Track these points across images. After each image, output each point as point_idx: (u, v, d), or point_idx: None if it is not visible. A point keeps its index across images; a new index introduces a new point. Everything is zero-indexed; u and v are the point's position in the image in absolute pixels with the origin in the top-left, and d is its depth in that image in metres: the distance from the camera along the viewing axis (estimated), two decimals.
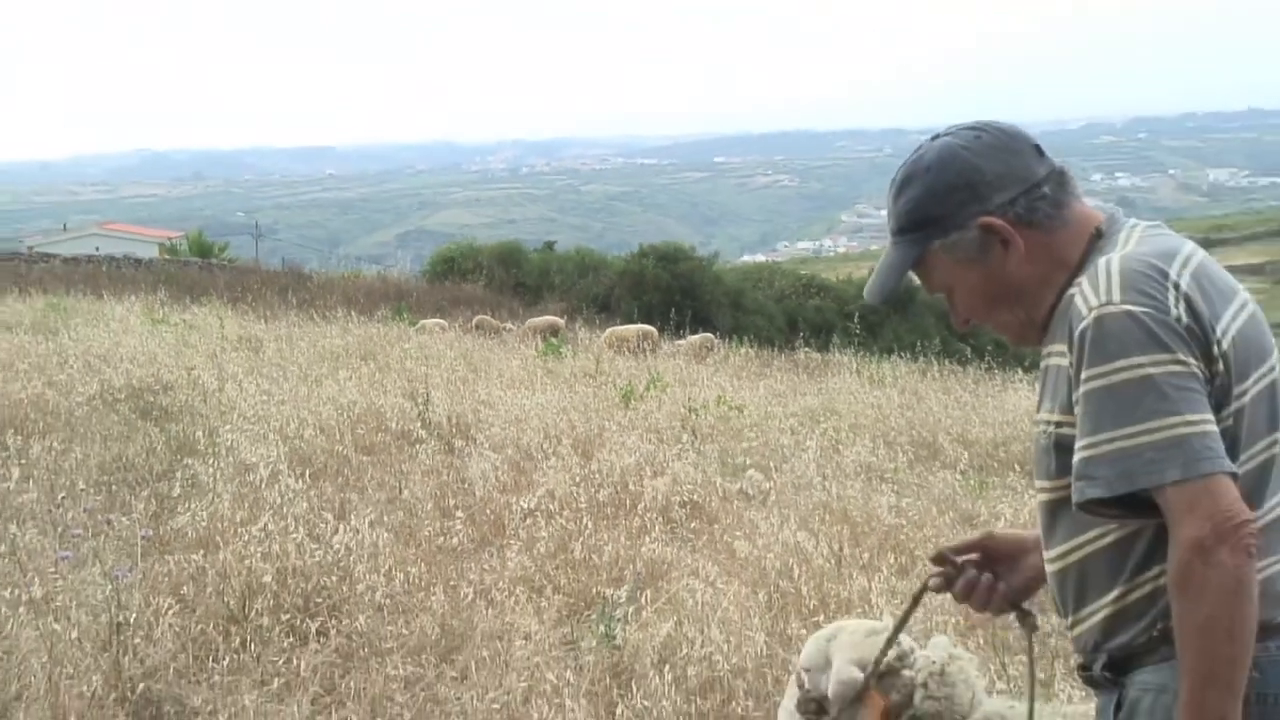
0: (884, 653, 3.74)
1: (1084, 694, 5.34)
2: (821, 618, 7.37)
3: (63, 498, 9.16)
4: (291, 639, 6.99)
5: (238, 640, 6.91)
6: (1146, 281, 2.72)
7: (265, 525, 8.20)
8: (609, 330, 26.02)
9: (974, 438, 12.94)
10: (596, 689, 6.46)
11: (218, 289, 31.32)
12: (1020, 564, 3.38)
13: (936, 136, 3.06)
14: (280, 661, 6.74)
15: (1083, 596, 2.93)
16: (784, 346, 25.82)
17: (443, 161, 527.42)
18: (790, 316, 43.42)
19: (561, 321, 28.32)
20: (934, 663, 3.87)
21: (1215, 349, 2.72)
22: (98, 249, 60.12)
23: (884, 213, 3.16)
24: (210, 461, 10.20)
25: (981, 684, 3.97)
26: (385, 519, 9.08)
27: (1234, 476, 2.63)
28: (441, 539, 8.75)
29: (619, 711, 6.16)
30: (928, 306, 37.53)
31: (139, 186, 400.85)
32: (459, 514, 9.18)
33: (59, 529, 8.39)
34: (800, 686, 3.98)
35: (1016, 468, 11.92)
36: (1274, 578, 2.76)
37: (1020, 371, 19.77)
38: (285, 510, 8.66)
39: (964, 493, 10.83)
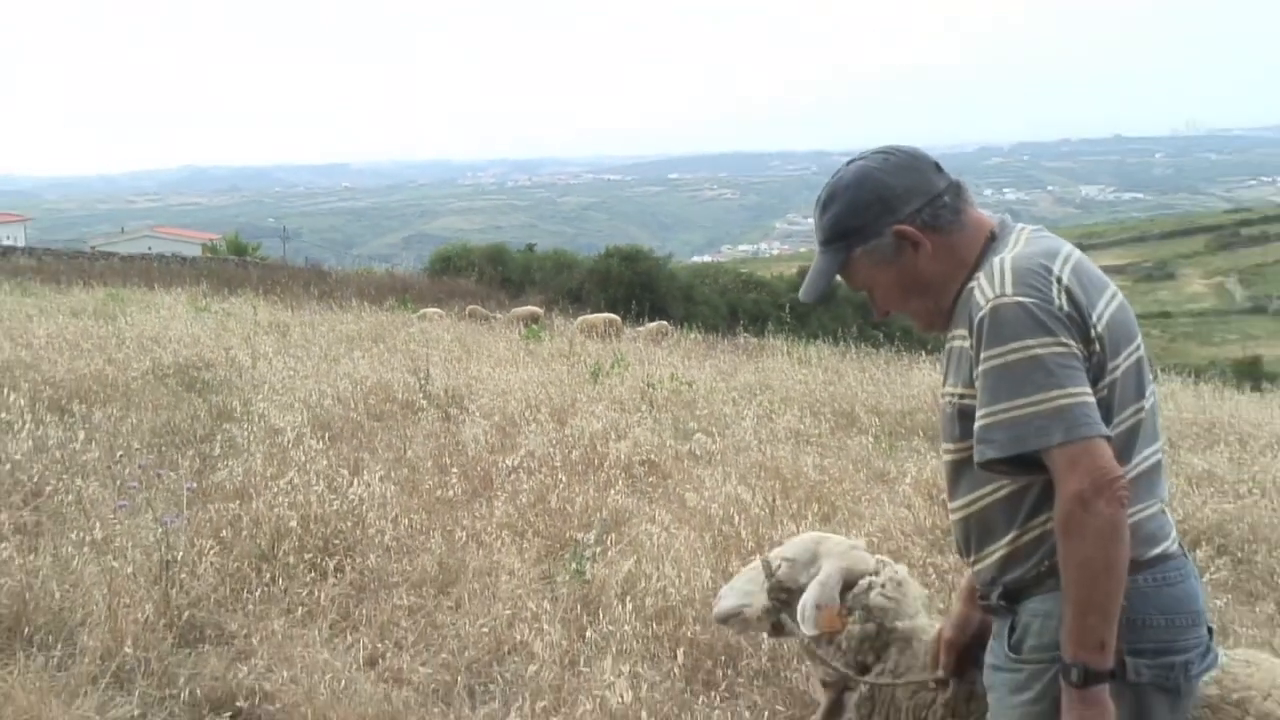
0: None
1: None
2: (756, 557, 7.39)
3: (120, 456, 9.13)
4: (313, 574, 6.99)
5: (268, 575, 6.92)
6: (1034, 277, 2.80)
7: (291, 479, 8.19)
8: (580, 318, 26.01)
9: (885, 408, 12.97)
10: (569, 616, 6.47)
11: (251, 283, 31.20)
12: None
13: (852, 161, 3.12)
14: (304, 593, 6.75)
15: (983, 539, 3.00)
16: (726, 332, 25.83)
17: (440, 176, 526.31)
18: (732, 307, 43.48)
19: (540, 311, 28.29)
20: (896, 572, 3.92)
21: (1092, 332, 2.79)
22: (150, 248, 59.96)
23: (811, 221, 3.21)
24: (245, 426, 10.18)
25: (924, 609, 3.98)
26: (392, 475, 9.07)
27: (1108, 439, 2.71)
28: (439, 491, 8.74)
29: (588, 635, 6.18)
30: (847, 300, 37.59)
31: (185, 197, 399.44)
32: (454, 470, 9.16)
33: (117, 482, 8.36)
34: (770, 575, 3.99)
35: (920, 433, 11.95)
36: (1141, 522, 2.83)
37: (924, 354, 19.81)
38: (308, 467, 8.64)
39: (876, 454, 10.86)
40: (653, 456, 10.08)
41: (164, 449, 9.71)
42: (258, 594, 6.70)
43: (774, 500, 8.62)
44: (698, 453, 10.48)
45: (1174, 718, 2.90)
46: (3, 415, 9.37)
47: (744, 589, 4.04)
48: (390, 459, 9.68)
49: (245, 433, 9.90)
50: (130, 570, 6.61)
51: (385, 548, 7.51)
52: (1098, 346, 2.81)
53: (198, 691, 5.68)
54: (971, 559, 3.07)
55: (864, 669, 3.78)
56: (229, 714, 5.49)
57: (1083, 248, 3.05)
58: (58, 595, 6.29)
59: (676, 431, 11.22)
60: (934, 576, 7.19)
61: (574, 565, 7.06)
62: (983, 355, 2.80)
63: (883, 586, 3.85)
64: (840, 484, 9.46)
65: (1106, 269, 3.02)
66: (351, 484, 8.31)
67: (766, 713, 5.67)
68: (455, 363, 14.99)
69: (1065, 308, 2.78)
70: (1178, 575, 2.90)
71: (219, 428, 10.32)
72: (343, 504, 7.89)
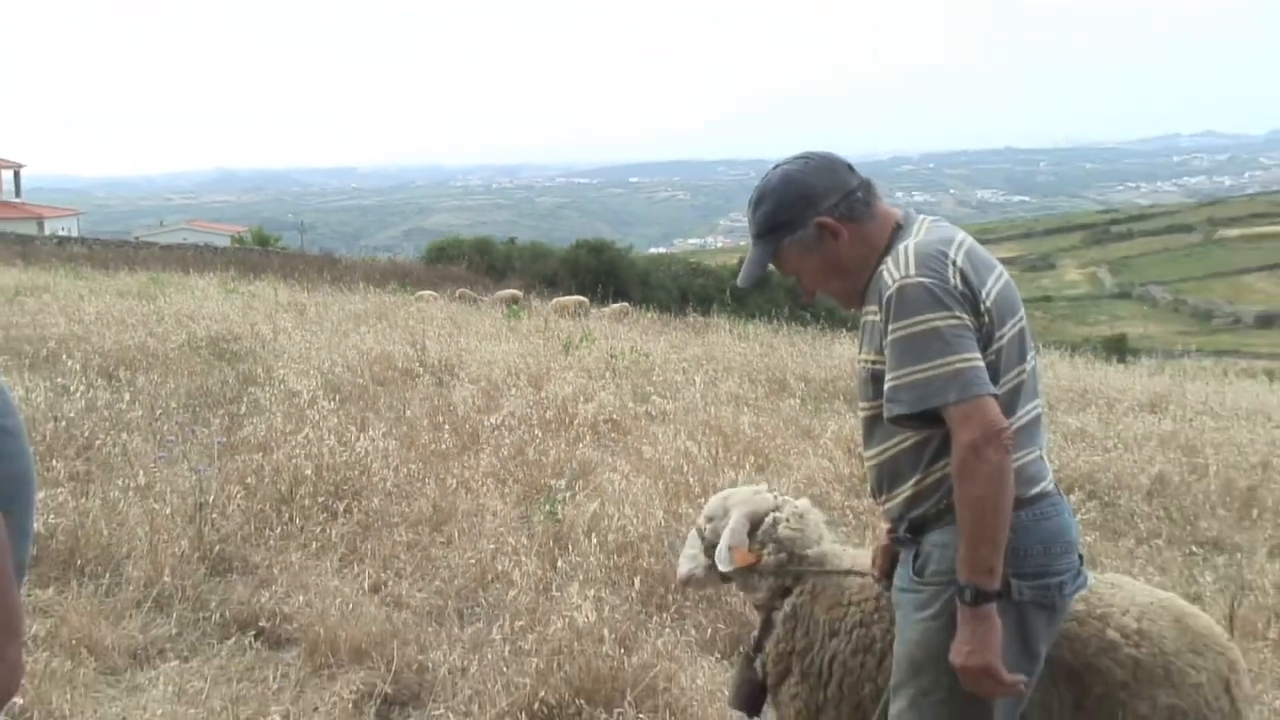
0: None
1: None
2: (702, 499, 7.42)
3: (160, 415, 9.10)
4: (325, 515, 6.98)
5: (287, 516, 6.90)
6: (933, 260, 2.83)
7: (306, 434, 8.16)
8: (554, 300, 25.96)
9: (811, 376, 13.01)
10: (543, 550, 6.48)
11: (273, 269, 31.05)
12: None
13: (778, 165, 3.15)
14: (317, 531, 6.74)
15: (892, 482, 3.04)
16: (678, 313, 25.81)
17: (435, 179, 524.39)
18: (683, 291, 43.42)
19: (520, 293, 28.19)
20: (797, 507, 3.96)
21: (982, 306, 2.84)
22: (186, 239, 59.53)
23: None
24: (267, 389, 10.13)
25: (829, 534, 4.03)
26: (393, 431, 9.04)
27: (996, 396, 2.76)
28: (433, 445, 8.72)
29: (559, 565, 6.18)
30: (780, 286, 37.58)
31: (216, 195, 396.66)
32: (446, 428, 9.14)
33: (157, 437, 8.33)
34: (702, 537, 4.03)
35: (841, 397, 11.99)
36: (1024, 466, 2.88)
37: (844, 331, 19.87)
38: (321, 424, 8.60)
39: (803, 414, 10.88)
40: (615, 416, 10.08)
41: (197, 409, 9.66)
42: (278, 531, 6.69)
43: (717, 453, 8.64)
44: (653, 413, 10.48)
45: (1050, 630, 2.97)
46: (60, 380, 9.33)
47: (689, 555, 4.06)
48: (391, 418, 9.66)
49: (267, 395, 9.85)
50: (169, 511, 6.59)
51: (387, 492, 7.49)
52: (987, 319, 2.85)
53: (226, 614, 5.69)
54: (883, 499, 3.10)
55: (786, 591, 3.82)
56: (253, 633, 5.49)
57: (979, 242, 3.09)
58: (106, 533, 6.28)
59: (635, 395, 11.22)
60: (851, 517, 7.23)
61: (548, 507, 7.07)
62: (890, 327, 2.83)
63: (787, 520, 3.89)
64: (773, 439, 9.49)
65: (998, 260, 3.07)
66: (358, 439, 8.29)
67: (710, 630, 5.70)
68: (447, 337, 14.92)
69: (959, 286, 2.82)
70: (1054, 511, 2.95)
71: (245, 391, 10.27)
72: (351, 455, 7.87)
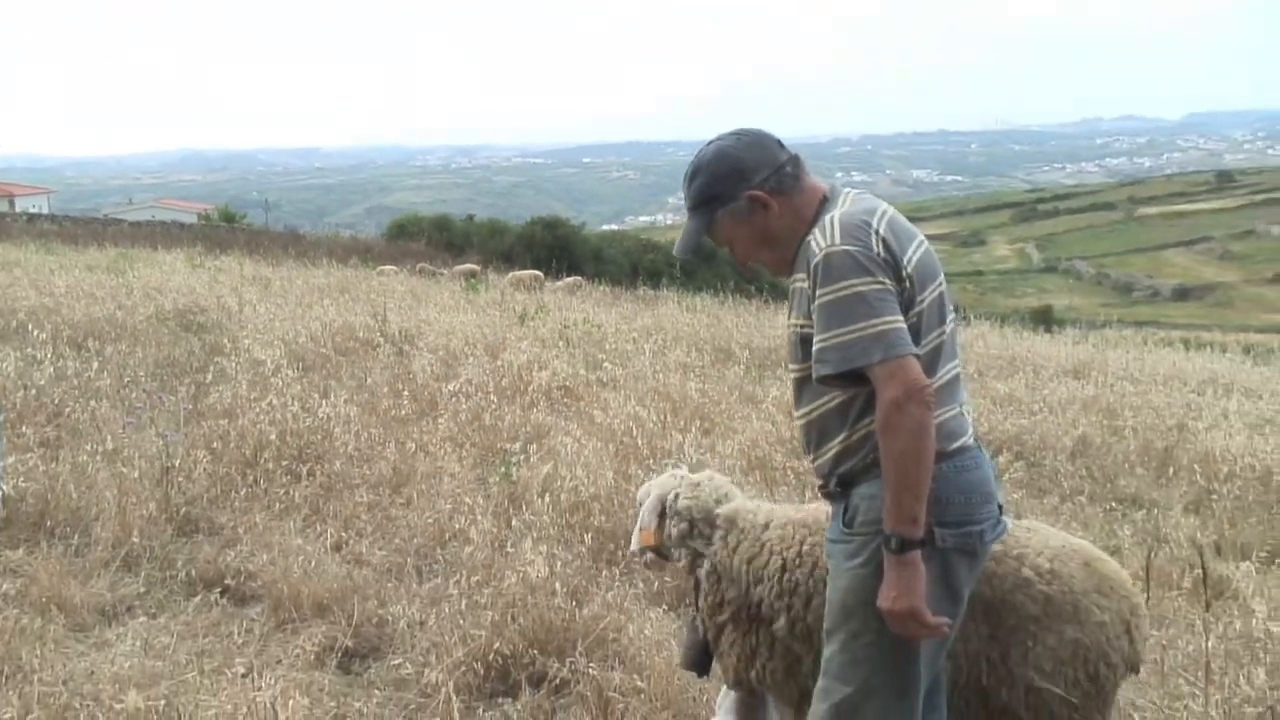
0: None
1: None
2: (651, 461, 7.43)
3: (128, 383, 9.01)
4: (289, 477, 6.94)
5: (251, 479, 6.85)
6: (857, 230, 2.87)
7: (271, 401, 8.08)
8: (510, 274, 25.82)
9: (755, 345, 13.01)
10: (499, 509, 6.46)
11: (239, 244, 30.64)
12: None
13: (711, 141, 3.17)
14: (281, 493, 6.70)
15: (822, 439, 3.06)
16: (629, 286, 25.74)
17: (396, 159, 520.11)
18: (633, 266, 43.35)
19: (478, 268, 28.06)
20: (695, 478, 4.09)
21: (903, 272, 2.88)
22: (154, 217, 58.80)
23: None
24: (232, 359, 10.04)
25: (737, 491, 4.12)
26: (354, 398, 8.98)
27: (918, 356, 2.80)
28: (393, 411, 8.67)
29: (514, 524, 6.16)
30: (726, 261, 37.62)
31: (183, 174, 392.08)
32: (405, 394, 9.09)
33: (125, 404, 8.25)
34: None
35: (783, 365, 11.98)
36: (945, 422, 2.93)
37: (786, 303, 19.94)
38: (285, 391, 8.52)
39: (747, 381, 10.90)
40: (568, 383, 10.05)
41: (165, 378, 9.57)
42: (243, 493, 6.65)
43: (665, 418, 8.63)
44: (604, 380, 10.47)
45: (972, 575, 3.03)
46: (30, 350, 9.20)
47: (635, 538, 4.14)
48: (353, 385, 9.60)
49: (233, 364, 9.77)
50: (136, 475, 6.54)
51: (349, 456, 7.45)
52: (908, 284, 2.89)
53: (193, 572, 5.66)
54: (813, 456, 3.13)
55: (702, 554, 3.91)
56: (219, 590, 5.45)
57: (914, 219, 3.12)
58: (75, 495, 6.23)
59: (588, 363, 11.19)
60: (792, 477, 7.24)
61: (503, 469, 7.04)
62: (818, 293, 2.86)
63: (683, 493, 4.00)
64: (718, 405, 9.50)
65: (933, 236, 3.10)
66: (321, 405, 8.23)
67: (656, 584, 5.71)
68: (407, 309, 14.85)
69: (882, 254, 2.85)
70: (973, 463, 2.99)
71: (211, 361, 10.18)
72: (313, 421, 7.81)
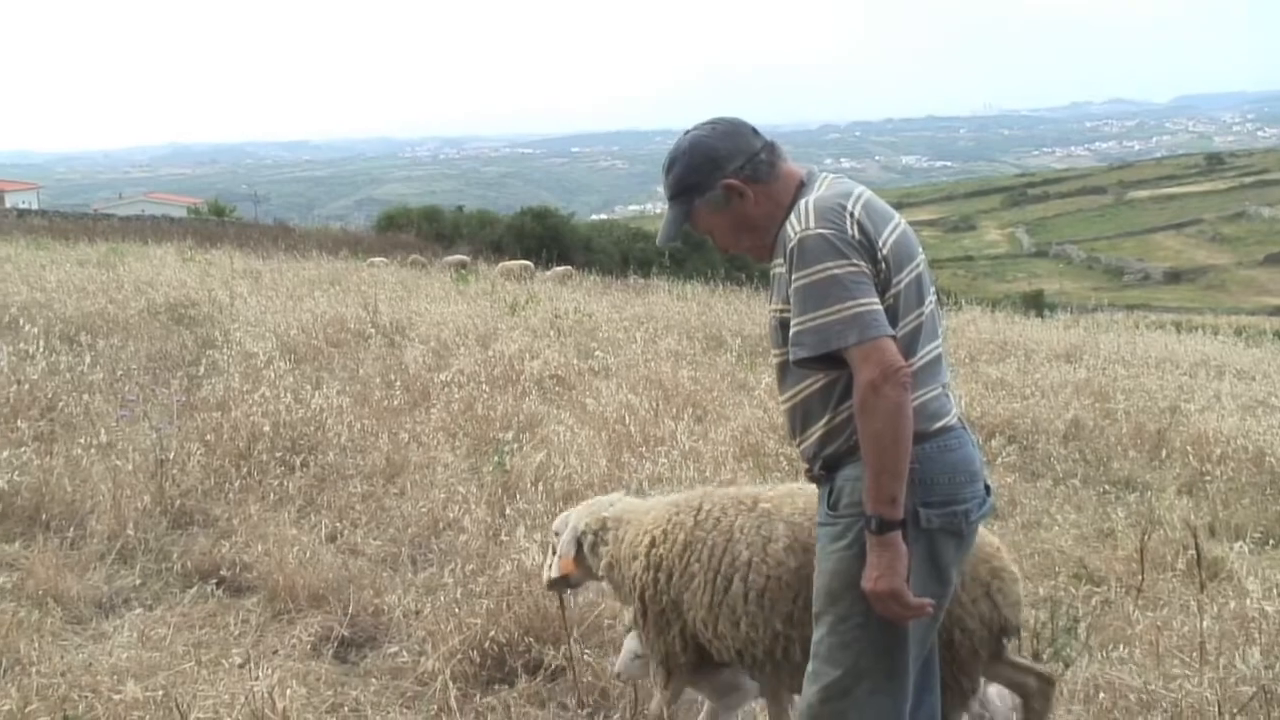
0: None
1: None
2: (644, 449, 7.45)
3: (121, 376, 9.03)
4: (282, 469, 6.96)
5: (245, 470, 6.87)
6: (831, 213, 2.89)
7: (263, 393, 8.09)
8: (501, 264, 25.78)
9: (746, 333, 13.03)
10: (492, 498, 6.48)
11: (229, 238, 30.61)
12: None
13: (688, 131, 3.19)
14: (275, 484, 6.72)
15: (806, 422, 3.08)
16: (619, 275, 25.70)
17: (385, 151, 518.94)
18: (624, 255, 43.28)
19: (468, 259, 28.01)
20: (593, 504, 4.35)
21: (879, 254, 2.90)
22: (144, 211, 58.61)
23: None
24: (225, 352, 10.06)
25: (635, 500, 4.40)
26: (347, 389, 8.99)
27: (894, 338, 2.81)
28: (386, 402, 8.67)
29: (507, 512, 6.19)
30: (715, 249, 37.57)
31: (172, 168, 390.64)
32: (398, 385, 9.08)
33: (119, 397, 8.26)
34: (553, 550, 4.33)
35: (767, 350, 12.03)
36: (927, 402, 2.95)
37: None
38: (277, 383, 8.52)
39: (739, 368, 10.92)
40: (560, 372, 10.07)
41: (157, 371, 9.58)
42: (237, 485, 6.66)
43: (657, 405, 8.65)
44: (596, 369, 10.49)
45: (959, 555, 3.06)
46: (22, 345, 9.18)
47: (555, 565, 4.30)
48: (345, 376, 9.61)
49: (225, 357, 9.78)
50: (130, 468, 6.54)
51: (342, 447, 7.46)
52: (884, 266, 2.90)
53: (188, 564, 5.67)
54: (797, 440, 3.14)
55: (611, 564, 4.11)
56: (214, 581, 5.47)
57: (903, 205, 3.13)
58: (70, 489, 6.22)
59: (579, 352, 11.21)
60: (785, 464, 7.26)
61: (496, 458, 7.06)
62: (794, 277, 2.88)
63: (586, 524, 4.21)
64: (710, 392, 9.53)
65: (921, 222, 3.12)
66: (313, 397, 8.24)
67: None
68: (398, 300, 14.84)
69: (857, 236, 2.87)
70: (957, 443, 3.00)
71: (203, 353, 10.18)
72: (306, 413, 7.83)
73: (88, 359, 9.05)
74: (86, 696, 3.99)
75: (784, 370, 3.09)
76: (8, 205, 54.27)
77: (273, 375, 8.90)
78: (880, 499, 2.78)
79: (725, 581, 3.64)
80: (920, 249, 3.06)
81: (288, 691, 3.93)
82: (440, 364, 10.19)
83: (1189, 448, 8.14)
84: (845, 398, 2.91)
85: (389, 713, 4.19)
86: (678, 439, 7.62)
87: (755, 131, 3.15)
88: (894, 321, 2.86)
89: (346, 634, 4.96)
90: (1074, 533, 6.58)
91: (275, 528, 5.95)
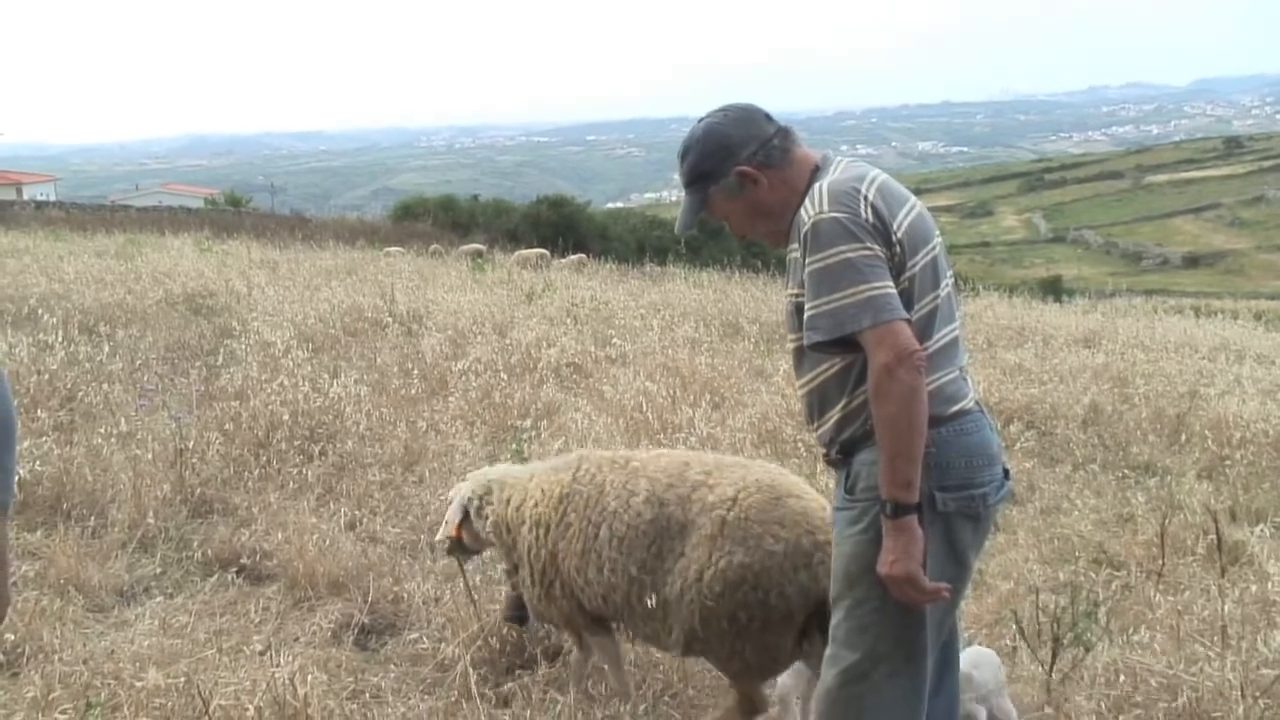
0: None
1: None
2: (662, 436, 7.45)
3: (139, 366, 9.09)
4: (301, 457, 6.98)
5: (264, 459, 6.89)
6: (845, 197, 2.88)
7: (281, 382, 8.11)
8: (517, 253, 25.80)
9: (763, 319, 12.99)
10: None
11: (245, 228, 30.65)
12: None
13: (701, 119, 3.19)
14: (294, 472, 6.75)
15: (823, 407, 3.07)
16: (635, 263, 25.66)
17: (400, 140, 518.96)
18: (640, 243, 43.20)
19: (484, 248, 28.01)
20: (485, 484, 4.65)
21: (893, 237, 2.89)
22: (160, 202, 58.80)
23: None
24: (242, 341, 10.09)
25: (517, 467, 4.78)
26: (365, 378, 9.02)
27: (908, 321, 2.80)
28: (403, 390, 8.70)
29: None
30: (731, 235, 37.44)
31: (189, 160, 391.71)
32: (415, 374, 9.11)
33: (138, 387, 8.29)
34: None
35: (784, 335, 12.01)
36: (943, 385, 2.94)
37: None
38: (295, 372, 8.55)
39: (756, 355, 10.91)
40: (577, 360, 10.08)
41: (176, 361, 9.63)
42: (256, 474, 6.68)
43: (675, 392, 8.65)
44: (613, 356, 10.49)
45: (977, 539, 3.05)
46: (41, 336, 9.22)
47: (441, 530, 4.78)
48: (363, 366, 9.64)
49: (243, 347, 9.82)
50: (150, 457, 6.58)
51: (360, 435, 7.49)
52: (899, 249, 2.89)
53: (209, 552, 5.70)
54: (815, 425, 3.14)
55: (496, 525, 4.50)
56: (235, 569, 5.51)
57: (920, 192, 3.13)
58: (90, 478, 6.25)
59: (596, 340, 11.21)
60: (803, 449, 7.25)
61: (514, 446, 7.05)
62: (808, 261, 2.88)
63: (467, 487, 4.65)
64: (728, 379, 9.52)
65: (939, 208, 3.11)
66: (331, 385, 8.26)
67: None
68: (415, 289, 14.86)
69: (871, 220, 2.86)
70: (974, 427, 2.99)
71: (221, 343, 10.21)
72: (324, 401, 7.85)
73: (106, 349, 9.10)
74: (109, 683, 4.01)
75: (801, 355, 3.08)
76: (26, 197, 54.45)
77: (291, 364, 8.93)
78: (895, 483, 2.78)
79: (594, 529, 4.05)
80: (937, 232, 3.05)
81: (309, 678, 3.95)
82: (457, 352, 10.21)
83: (1209, 432, 8.11)
84: (861, 382, 2.90)
85: (410, 699, 4.20)
86: (695, 426, 7.62)
87: (769, 117, 3.15)
88: (909, 305, 2.86)
89: (367, 621, 4.98)
90: (1093, 518, 6.57)
91: (295, 516, 5.99)
